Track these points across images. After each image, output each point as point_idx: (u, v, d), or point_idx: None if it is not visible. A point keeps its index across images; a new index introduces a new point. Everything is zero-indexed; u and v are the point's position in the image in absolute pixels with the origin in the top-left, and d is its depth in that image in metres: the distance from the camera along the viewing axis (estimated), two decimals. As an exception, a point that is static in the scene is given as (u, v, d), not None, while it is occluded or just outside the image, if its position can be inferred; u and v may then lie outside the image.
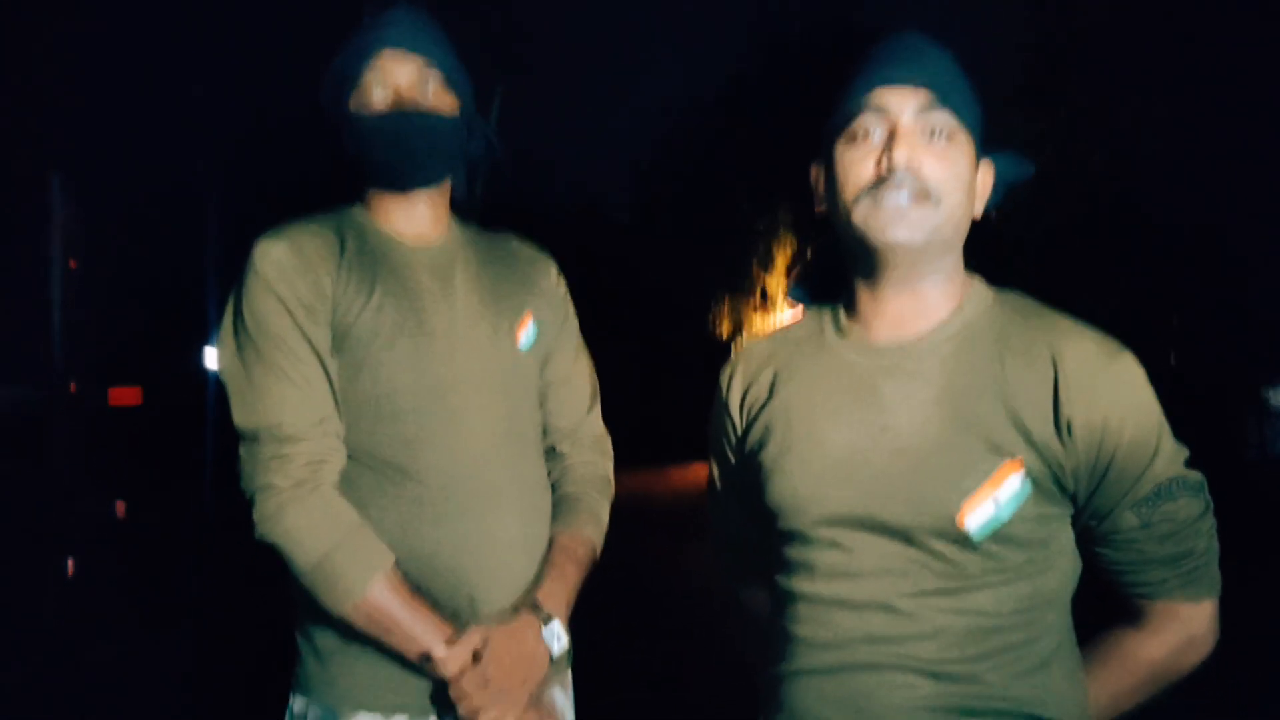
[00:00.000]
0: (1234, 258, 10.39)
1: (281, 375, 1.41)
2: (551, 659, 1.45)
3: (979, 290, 1.29)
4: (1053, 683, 1.18)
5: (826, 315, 1.35)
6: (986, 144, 1.30)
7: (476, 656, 1.38)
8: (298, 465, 1.39)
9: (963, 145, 1.22)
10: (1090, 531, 1.21)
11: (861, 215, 1.21)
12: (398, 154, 1.52)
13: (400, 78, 1.51)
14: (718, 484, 1.47)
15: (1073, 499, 1.19)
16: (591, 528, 1.61)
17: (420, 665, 1.38)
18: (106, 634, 4.68)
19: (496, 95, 6.13)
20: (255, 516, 1.38)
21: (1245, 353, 11.04)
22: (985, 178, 1.29)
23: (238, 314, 1.45)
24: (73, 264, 4.93)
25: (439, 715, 1.42)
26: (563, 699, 1.57)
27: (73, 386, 4.85)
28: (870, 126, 1.22)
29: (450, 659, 1.36)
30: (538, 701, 1.45)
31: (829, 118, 1.27)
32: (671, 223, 18.38)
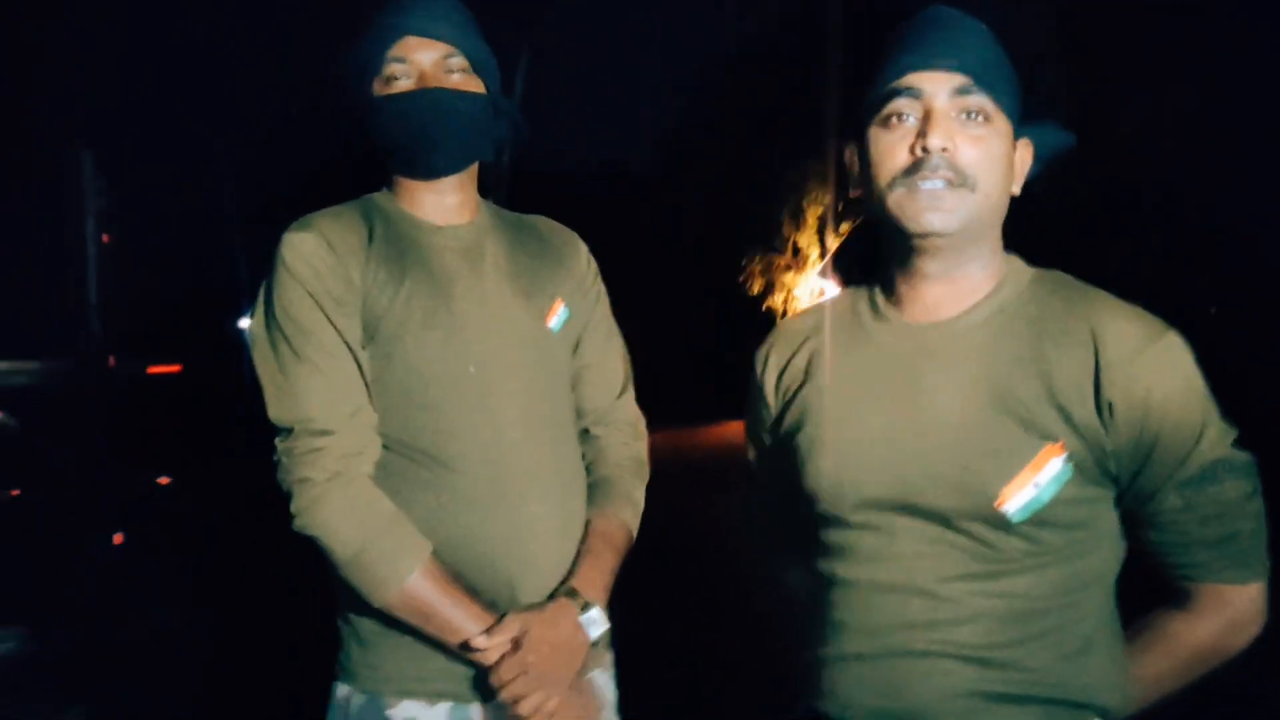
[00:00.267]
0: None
1: (313, 368, 1.41)
2: (590, 644, 1.46)
3: (1017, 269, 1.26)
4: (1094, 666, 1.17)
5: (862, 295, 1.33)
6: (1024, 115, 1.27)
7: (516, 644, 1.38)
8: (332, 458, 1.39)
9: (999, 126, 1.20)
10: (1134, 513, 1.20)
11: (896, 202, 1.19)
12: (423, 140, 1.51)
13: (424, 62, 1.49)
14: (754, 465, 1.46)
15: (1115, 480, 1.17)
16: (627, 511, 1.60)
17: (461, 652, 1.39)
18: (150, 603, 4.78)
19: (522, 56, 6.06)
20: (293, 509, 1.38)
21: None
22: (1023, 155, 1.26)
23: (268, 307, 1.45)
24: (106, 238, 4.97)
25: (481, 701, 1.43)
26: (604, 680, 1.58)
27: (111, 360, 4.90)
28: (904, 110, 1.19)
29: (490, 647, 1.37)
30: (578, 686, 1.46)
31: (861, 98, 1.24)
32: (700, 179, 18.22)
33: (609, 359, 1.68)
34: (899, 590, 1.19)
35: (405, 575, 1.37)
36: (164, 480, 5.01)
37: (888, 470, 1.20)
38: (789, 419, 1.32)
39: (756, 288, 18.60)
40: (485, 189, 1.68)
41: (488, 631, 1.38)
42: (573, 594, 1.46)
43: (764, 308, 18.52)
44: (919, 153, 1.17)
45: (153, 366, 5.09)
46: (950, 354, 1.21)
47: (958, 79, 1.18)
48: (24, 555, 5.49)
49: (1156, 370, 1.14)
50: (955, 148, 1.17)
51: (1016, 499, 1.13)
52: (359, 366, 1.45)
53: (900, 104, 1.19)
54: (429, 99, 1.48)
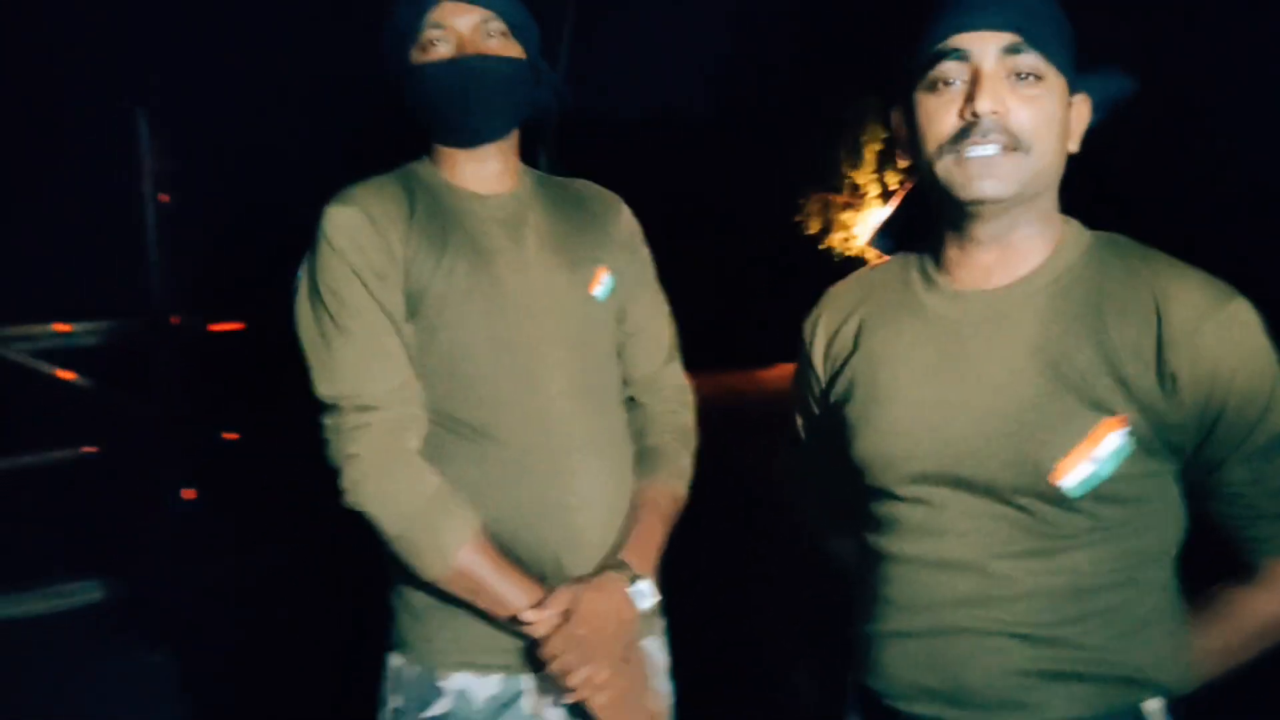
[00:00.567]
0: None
1: (357, 344, 1.41)
2: (640, 615, 1.46)
3: (1075, 234, 1.21)
4: (1153, 643, 1.14)
5: (913, 262, 1.29)
6: (1081, 64, 1.21)
7: (565, 617, 1.39)
8: (380, 433, 1.40)
9: (1052, 85, 1.14)
10: (1198, 484, 1.15)
11: (945, 168, 1.14)
12: (463, 106, 1.48)
13: (462, 27, 1.47)
14: (802, 435, 1.44)
15: (1178, 453, 1.13)
16: (675, 479, 1.59)
17: (511, 626, 1.40)
18: (219, 554, 4.93)
19: (569, 5, 5.98)
20: (342, 485, 1.39)
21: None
22: (1080, 111, 1.20)
23: (312, 282, 1.45)
24: (163, 198, 5.03)
25: (533, 673, 1.44)
26: (655, 647, 1.58)
27: (175, 319, 5.00)
28: (951, 73, 1.13)
29: (540, 620, 1.37)
30: (629, 655, 1.46)
31: (906, 61, 1.19)
32: (754, 119, 17.94)
33: (655, 325, 1.67)
34: (949, 566, 1.16)
35: (454, 550, 1.38)
36: (231, 436, 5.13)
37: (938, 443, 1.17)
38: (837, 389, 1.29)
39: (814, 228, 18.36)
40: (534, 149, 1.65)
41: (537, 605, 1.38)
42: (621, 566, 1.46)
43: (821, 248, 18.29)
44: (968, 117, 1.12)
45: (216, 324, 5.17)
46: (1004, 323, 1.17)
47: (1006, 38, 1.12)
48: (102, 510, 5.69)
49: (1223, 339, 1.09)
50: (1006, 110, 1.11)
51: (1074, 474, 1.10)
52: (403, 340, 1.45)
53: (946, 68, 1.14)
54: (467, 66, 1.46)
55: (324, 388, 1.42)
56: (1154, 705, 1.14)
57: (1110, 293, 1.14)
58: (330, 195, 1.48)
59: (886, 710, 1.21)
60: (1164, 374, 1.09)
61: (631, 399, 1.64)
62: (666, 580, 1.53)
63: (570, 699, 1.39)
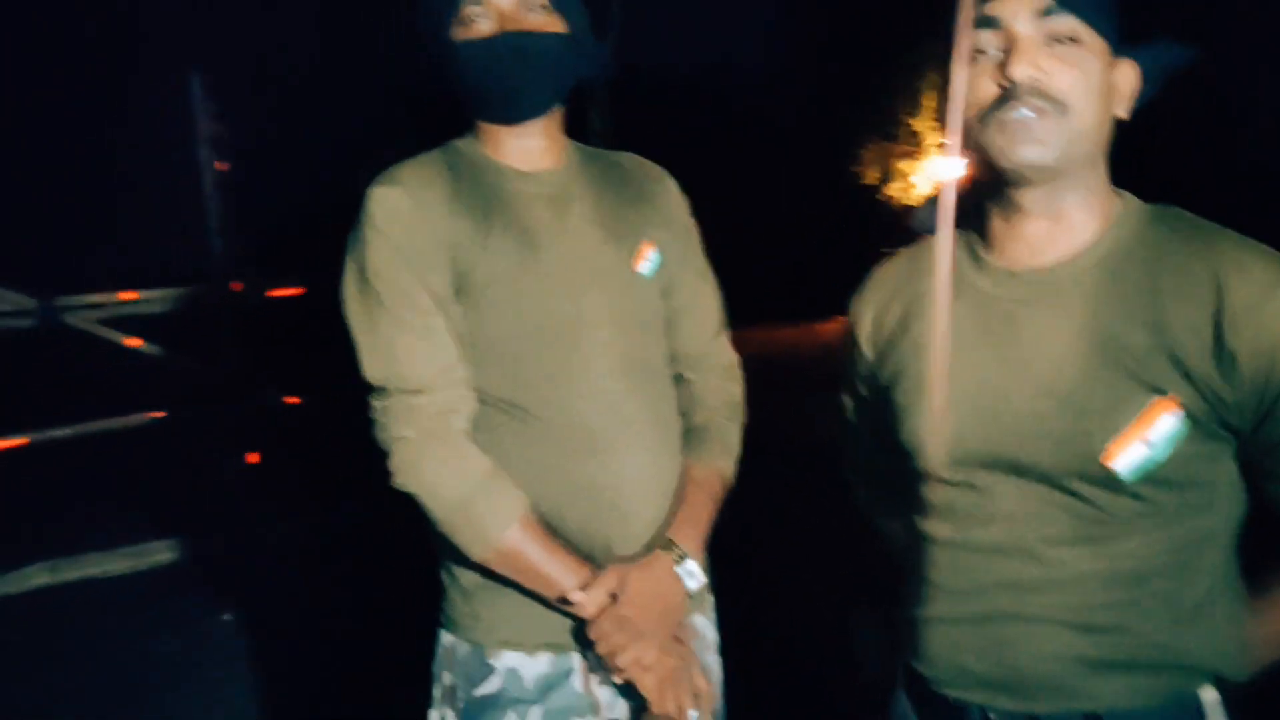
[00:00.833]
0: None
1: (404, 326, 1.42)
2: (689, 595, 1.46)
3: (1129, 207, 1.17)
4: (1209, 629, 1.11)
5: (959, 240, 1.25)
6: (1129, 34, 1.16)
7: (614, 597, 1.39)
8: (428, 415, 1.40)
9: (1091, 46, 1.09)
10: (1256, 464, 1.12)
11: (986, 136, 1.11)
12: (505, 84, 1.47)
13: (502, 3, 1.44)
14: (851, 417, 1.42)
15: (1236, 433, 1.09)
16: (723, 458, 1.59)
17: (560, 606, 1.42)
18: (285, 513, 5.05)
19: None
20: (391, 467, 1.41)
21: None
22: (1127, 75, 1.15)
23: (358, 265, 1.45)
24: (221, 165, 5.09)
25: (581, 653, 1.45)
26: (704, 624, 1.59)
27: (236, 285, 5.08)
28: (985, 43, 1.10)
29: (587, 601, 1.38)
30: (677, 636, 1.47)
31: (940, 35, 1.15)
32: (810, 64, 17.61)
33: (702, 301, 1.65)
34: (999, 551, 1.14)
35: (502, 531, 1.39)
36: (292, 400, 5.22)
37: (987, 425, 1.14)
38: (886, 371, 1.27)
39: (872, 177, 18.06)
40: (586, 107, 1.64)
41: (585, 586, 1.39)
42: (669, 545, 1.46)
43: (879, 197, 18.00)
44: (1005, 84, 1.08)
45: (276, 290, 5.25)
46: (1054, 302, 1.14)
47: (1038, 1, 1.08)
48: (169, 474, 5.86)
49: None
50: (1042, 74, 1.08)
51: (1125, 456, 1.07)
52: (450, 321, 1.45)
53: (980, 37, 1.10)
54: (508, 43, 1.44)
55: (372, 370, 1.43)
56: (1211, 694, 1.11)
57: (1166, 269, 1.10)
58: (387, 159, 1.48)
59: (934, 695, 1.21)
60: (1222, 353, 1.05)
61: (679, 375, 1.63)
62: (717, 550, 1.53)
63: (618, 679, 1.40)
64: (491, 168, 1.51)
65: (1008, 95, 1.08)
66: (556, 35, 1.47)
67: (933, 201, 1.31)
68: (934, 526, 1.21)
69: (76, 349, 5.29)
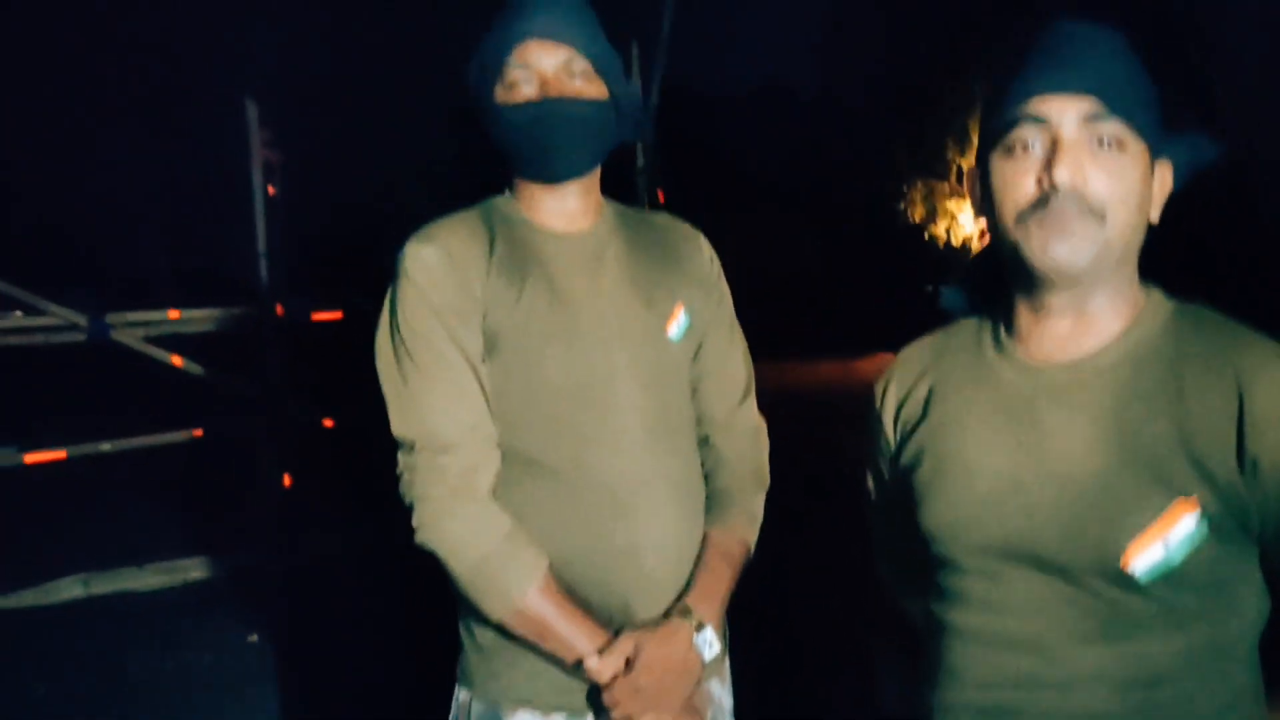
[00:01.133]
0: None
1: (434, 383, 1.43)
2: (704, 664, 1.46)
3: (1156, 304, 1.16)
4: None
5: (986, 327, 1.25)
6: (1168, 125, 1.15)
7: (629, 663, 1.39)
8: (453, 474, 1.42)
9: (1134, 153, 1.09)
10: (1278, 570, 1.09)
11: (1021, 236, 1.10)
12: (545, 148, 1.49)
13: (546, 68, 1.47)
14: (873, 494, 1.41)
15: (1259, 538, 1.07)
16: (745, 525, 1.59)
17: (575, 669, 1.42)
18: (324, 528, 5.10)
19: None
20: (414, 524, 1.42)
21: None
22: (1163, 178, 1.14)
23: (392, 319, 1.47)
24: (271, 190, 5.18)
25: (596, 716, 1.45)
26: (720, 691, 1.58)
27: (279, 308, 5.15)
28: (1029, 138, 1.10)
29: (603, 667, 1.38)
30: (691, 704, 1.46)
31: (984, 121, 1.15)
32: (858, 101, 17.62)
33: (730, 365, 1.65)
34: (1012, 644, 1.13)
35: (520, 592, 1.39)
36: (328, 423, 5.27)
37: (1005, 517, 1.13)
38: (907, 454, 1.27)
39: (918, 215, 17.98)
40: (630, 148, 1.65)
41: (601, 650, 1.39)
42: (687, 613, 1.46)
43: (926, 236, 17.91)
44: (1046, 187, 1.08)
45: (316, 313, 5.32)
46: (1077, 397, 1.13)
47: (1088, 104, 1.07)
48: (206, 491, 5.93)
49: None
50: (1085, 180, 1.07)
51: (1144, 557, 1.05)
52: (480, 380, 1.46)
53: (1024, 132, 1.10)
54: (550, 109, 1.46)
55: (401, 427, 1.45)
56: None
57: (1190, 370, 1.09)
58: (430, 190, 1.50)
59: None
60: (1244, 458, 1.04)
61: (705, 438, 1.63)
62: (741, 602, 1.52)
63: None
64: (527, 227, 1.53)
65: (1047, 197, 1.08)
66: (598, 101, 1.50)
67: (962, 283, 1.31)
68: (948, 613, 1.20)
69: (123, 364, 5.39)
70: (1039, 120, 1.09)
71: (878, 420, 1.34)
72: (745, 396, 1.67)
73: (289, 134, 5.36)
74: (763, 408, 1.70)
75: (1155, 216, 1.15)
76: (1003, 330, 1.22)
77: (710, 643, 1.45)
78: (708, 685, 1.54)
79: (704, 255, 1.67)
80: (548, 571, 1.42)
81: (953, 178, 17.13)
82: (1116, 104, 1.07)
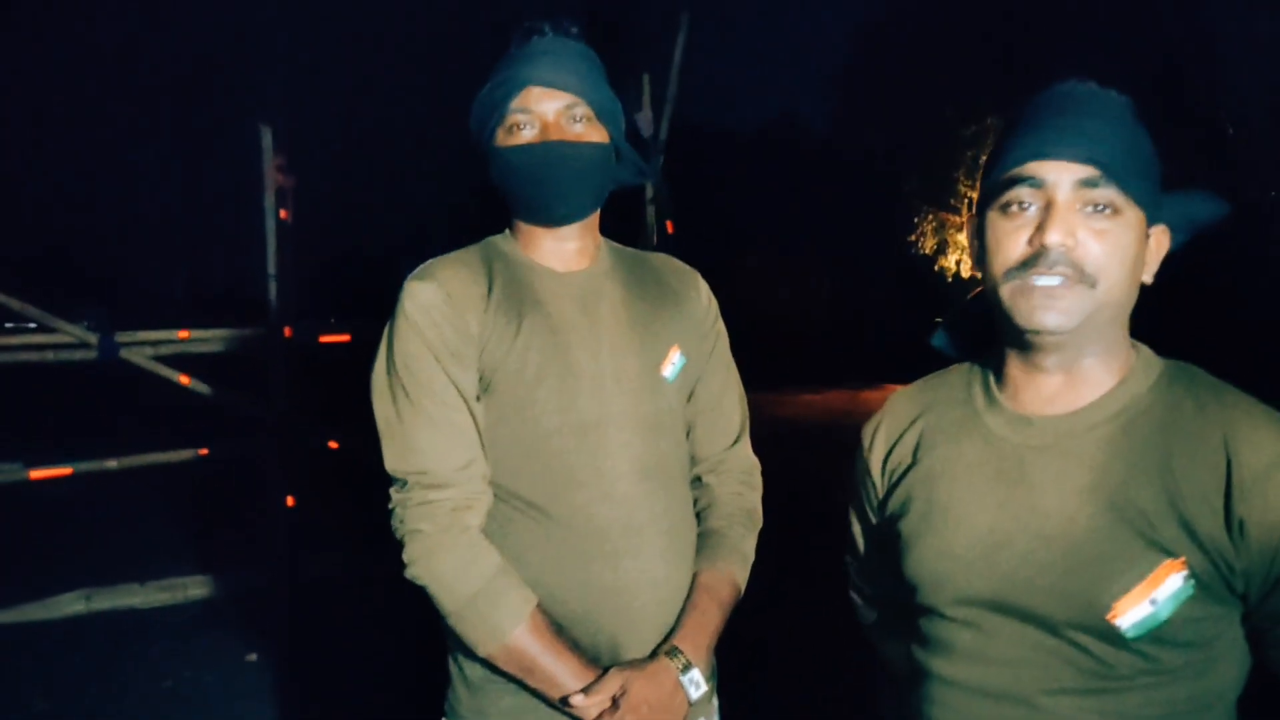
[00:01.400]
0: None
1: (429, 420, 1.46)
2: (690, 703, 1.47)
3: (1145, 363, 1.18)
4: None
5: (976, 377, 1.27)
6: (1170, 184, 1.17)
7: (615, 702, 1.41)
8: (444, 510, 1.44)
9: (1128, 218, 1.11)
10: (1262, 633, 1.11)
11: (1010, 294, 1.12)
12: (545, 191, 1.52)
13: (547, 113, 1.50)
14: (858, 541, 1.43)
15: (1243, 598, 1.09)
16: (736, 565, 1.60)
17: (562, 707, 1.43)
18: (325, 550, 5.11)
19: (683, 18, 6.00)
20: (405, 559, 1.44)
21: None
22: (1158, 241, 1.16)
23: (389, 356, 1.49)
24: (284, 214, 5.23)
25: None
26: (707, 730, 1.59)
27: (288, 331, 5.18)
28: (1024, 199, 1.12)
29: (589, 704, 1.39)
30: None
31: (985, 175, 1.18)
32: (870, 134, 17.68)
33: (724, 405, 1.67)
34: (995, 696, 1.14)
35: (509, 630, 1.41)
36: (334, 445, 5.30)
37: (991, 568, 1.15)
38: (894, 502, 1.28)
39: (929, 247, 17.99)
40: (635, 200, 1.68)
41: (587, 689, 1.40)
42: (674, 653, 1.47)
43: (936, 268, 17.91)
44: (1037, 246, 1.10)
45: (324, 336, 5.35)
46: (1066, 452, 1.14)
47: (1084, 170, 1.09)
48: (211, 510, 5.96)
49: None
50: (1076, 243, 1.09)
51: (1131, 614, 1.07)
52: (474, 418, 1.48)
53: (1021, 192, 1.12)
54: (550, 152, 1.49)
55: (394, 462, 1.47)
56: None
57: (1179, 431, 1.10)
58: (441, 216, 1.53)
59: None
60: (1231, 520, 1.05)
61: (698, 478, 1.65)
62: (736, 638, 1.51)
63: None
64: (526, 267, 1.56)
65: (1037, 258, 1.10)
66: (598, 145, 1.53)
67: (953, 324, 1.34)
68: (932, 662, 1.21)
69: (131, 383, 5.43)
70: (1035, 182, 1.11)
71: (865, 466, 1.36)
72: (739, 436, 1.68)
73: (302, 159, 5.41)
74: (771, 438, 1.72)
75: (1149, 278, 1.16)
76: (993, 381, 1.24)
77: (697, 682, 1.46)
78: (694, 723, 1.56)
79: (701, 296, 1.69)
80: (536, 609, 1.43)
81: (964, 210, 17.14)
82: (1113, 171, 1.09)
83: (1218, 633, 1.10)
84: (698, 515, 1.63)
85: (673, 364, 1.58)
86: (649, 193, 6.06)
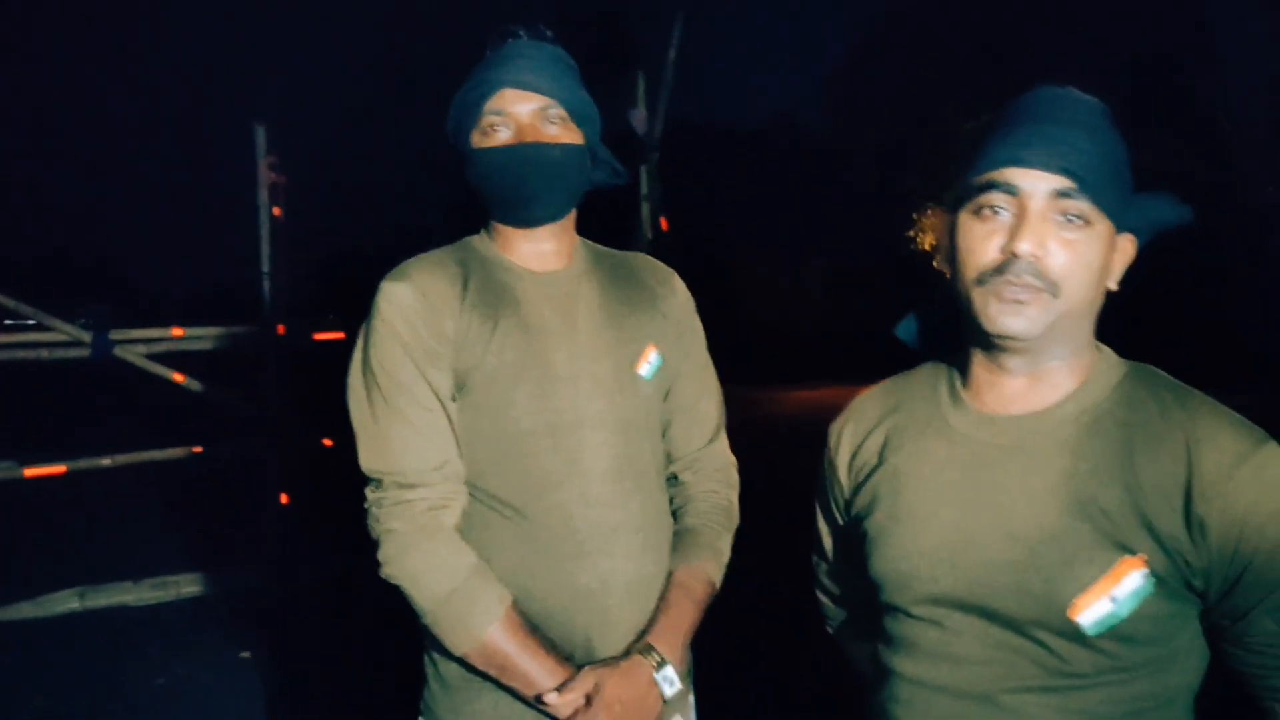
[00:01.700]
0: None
1: (404, 420, 1.47)
2: (664, 701, 1.48)
3: (1108, 364, 1.19)
4: None
5: (942, 377, 1.28)
6: (1137, 183, 1.18)
7: (589, 700, 1.42)
8: (419, 510, 1.45)
9: (1098, 229, 1.12)
10: (1221, 630, 1.12)
11: (979, 299, 1.13)
12: (519, 192, 1.52)
13: (522, 115, 1.51)
14: (825, 540, 1.44)
15: (1202, 596, 1.10)
16: (711, 563, 1.60)
17: (536, 705, 1.44)
18: (319, 547, 5.13)
19: (677, 20, 6.01)
20: (380, 558, 1.45)
21: None
22: (1124, 249, 1.18)
23: (364, 356, 1.50)
24: (277, 212, 5.23)
25: None
26: (682, 726, 1.60)
27: (281, 328, 5.19)
28: (998, 204, 1.13)
29: (563, 702, 1.41)
30: None
31: (961, 176, 1.18)
32: (868, 129, 17.67)
33: (701, 404, 1.68)
34: (959, 694, 1.15)
35: (483, 629, 1.42)
36: (328, 442, 5.31)
37: (955, 567, 1.16)
38: (860, 501, 1.29)
39: (928, 243, 17.98)
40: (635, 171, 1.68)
41: (561, 687, 1.41)
42: (648, 651, 1.48)
43: (935, 263, 17.91)
44: (1008, 254, 1.11)
45: (318, 334, 5.36)
46: (1030, 452, 1.16)
47: (1058, 181, 1.10)
48: (205, 507, 5.97)
49: (1255, 487, 1.06)
50: (1046, 253, 1.10)
51: (1091, 611, 1.08)
52: (449, 418, 1.49)
53: (995, 197, 1.13)
54: (525, 153, 1.50)
55: (369, 461, 1.48)
56: None
57: (1140, 431, 1.12)
58: (434, 211, 1.53)
59: None
60: (1191, 520, 1.07)
61: (674, 475, 1.66)
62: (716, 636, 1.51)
63: None
64: (502, 267, 1.57)
65: (1007, 265, 1.11)
66: (572, 146, 1.53)
67: (915, 318, 1.34)
68: (897, 661, 1.22)
69: (125, 381, 5.44)
70: (1010, 189, 1.12)
71: (832, 465, 1.37)
72: (716, 435, 1.69)
73: (295, 157, 5.42)
74: (767, 435, 1.72)
75: (1114, 284, 1.17)
76: (958, 380, 1.25)
77: (671, 680, 1.47)
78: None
79: (677, 295, 1.70)
80: (511, 608, 1.44)
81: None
82: (1087, 184, 1.10)
83: (1178, 630, 1.11)
84: (674, 513, 1.64)
85: (649, 363, 1.59)
86: (644, 190, 6.08)
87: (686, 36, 6.45)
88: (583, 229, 1.68)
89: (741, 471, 1.74)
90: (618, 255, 1.71)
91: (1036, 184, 1.11)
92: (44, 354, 4.90)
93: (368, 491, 1.49)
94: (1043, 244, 1.10)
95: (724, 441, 1.71)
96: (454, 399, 1.50)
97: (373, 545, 1.47)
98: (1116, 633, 1.08)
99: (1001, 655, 1.13)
